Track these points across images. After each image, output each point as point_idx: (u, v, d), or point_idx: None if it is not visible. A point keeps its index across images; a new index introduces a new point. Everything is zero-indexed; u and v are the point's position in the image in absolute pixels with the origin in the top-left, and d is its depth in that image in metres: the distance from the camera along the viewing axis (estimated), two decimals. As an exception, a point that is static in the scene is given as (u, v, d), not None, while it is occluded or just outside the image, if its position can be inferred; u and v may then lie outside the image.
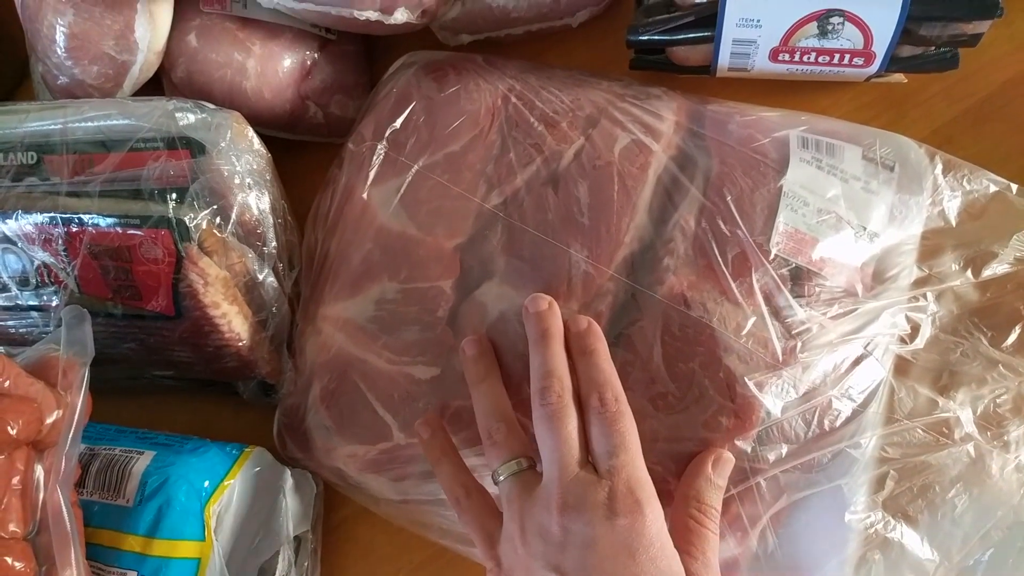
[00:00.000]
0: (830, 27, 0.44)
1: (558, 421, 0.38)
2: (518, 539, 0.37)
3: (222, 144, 0.43)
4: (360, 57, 0.55)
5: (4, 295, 0.44)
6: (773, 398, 0.40)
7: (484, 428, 0.40)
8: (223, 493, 0.40)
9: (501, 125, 0.46)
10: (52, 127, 0.44)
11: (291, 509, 0.44)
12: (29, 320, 0.45)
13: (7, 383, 0.36)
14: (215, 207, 0.42)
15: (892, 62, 0.46)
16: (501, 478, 0.39)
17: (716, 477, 0.39)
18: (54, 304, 0.43)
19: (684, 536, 0.37)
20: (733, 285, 0.41)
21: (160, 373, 0.49)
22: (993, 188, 0.44)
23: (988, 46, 0.47)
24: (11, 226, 0.42)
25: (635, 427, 0.38)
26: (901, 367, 0.42)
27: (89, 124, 0.43)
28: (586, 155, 0.45)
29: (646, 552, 0.35)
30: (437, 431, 0.42)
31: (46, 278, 0.43)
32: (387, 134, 0.47)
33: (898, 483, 0.40)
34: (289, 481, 0.44)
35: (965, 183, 0.44)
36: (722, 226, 0.42)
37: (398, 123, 0.47)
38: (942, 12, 0.43)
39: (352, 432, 0.44)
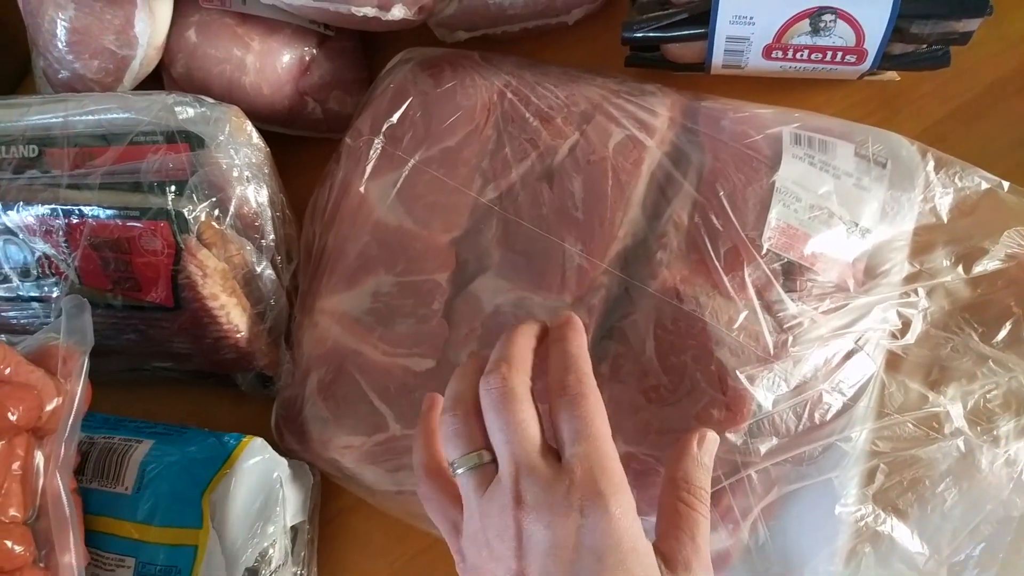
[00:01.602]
0: (822, 25, 0.44)
1: (505, 406, 0.34)
2: (480, 538, 0.34)
3: (221, 138, 0.43)
4: (358, 53, 0.56)
5: (5, 286, 0.44)
6: (764, 391, 0.40)
7: (445, 414, 0.37)
8: (220, 482, 0.41)
9: (497, 120, 0.47)
10: (53, 120, 0.44)
11: (288, 499, 0.44)
12: (30, 311, 0.45)
13: (8, 370, 0.37)
14: (214, 200, 0.43)
15: (884, 60, 0.46)
16: (459, 471, 0.35)
17: (703, 456, 0.36)
18: (55, 295, 0.44)
19: (673, 521, 0.35)
20: (725, 279, 0.42)
21: (160, 364, 0.50)
22: (984, 185, 0.44)
23: (979, 44, 0.47)
24: (12, 218, 0.42)
25: (602, 411, 0.35)
26: (892, 362, 0.42)
27: (89, 118, 0.44)
28: (580, 150, 0.45)
29: (614, 554, 0.32)
30: (433, 406, 0.40)
31: (47, 269, 0.43)
32: (384, 129, 0.48)
33: (888, 477, 0.41)
34: (286, 471, 0.44)
35: (957, 180, 0.45)
36: (715, 221, 0.43)
37: (395, 118, 0.48)
38: (932, 10, 0.44)
39: (348, 423, 0.45)
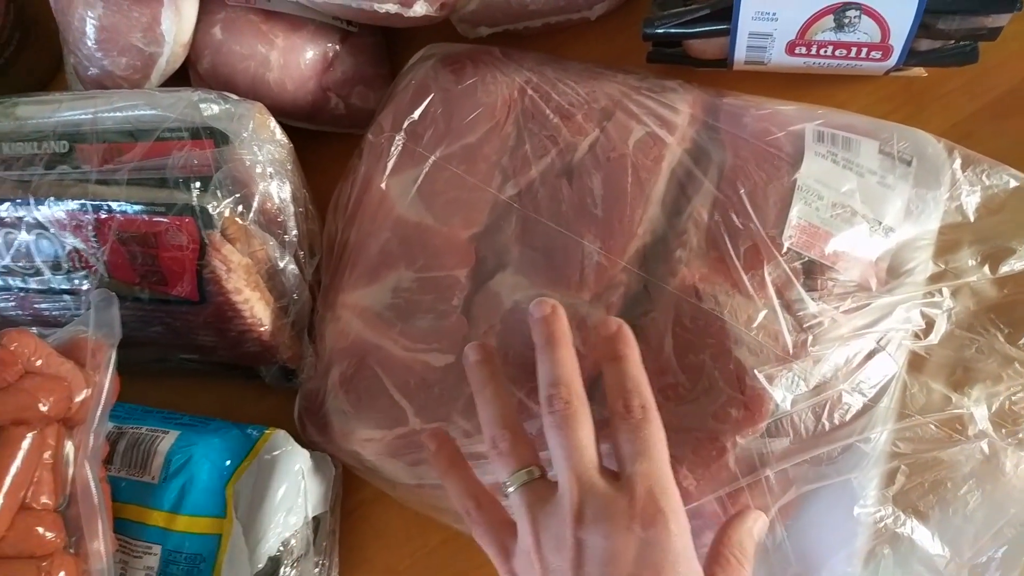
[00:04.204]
0: (847, 20, 0.44)
1: (568, 427, 0.36)
2: (533, 553, 0.35)
3: (244, 134, 0.44)
4: (381, 49, 0.56)
5: (38, 279, 0.45)
6: (783, 391, 0.40)
7: (489, 437, 0.38)
8: (244, 473, 0.42)
9: (517, 117, 0.47)
10: (83, 117, 0.45)
11: (310, 490, 0.45)
12: (61, 303, 0.46)
13: (39, 362, 0.38)
14: (237, 196, 0.43)
15: (910, 56, 0.46)
16: (511, 489, 0.37)
17: (756, 535, 0.38)
18: (84, 288, 0.45)
19: (722, 566, 0.37)
20: (745, 278, 0.42)
21: (186, 356, 0.51)
22: (1013, 183, 0.43)
23: (1009, 40, 0.46)
24: (44, 213, 0.43)
25: (663, 436, 0.36)
26: (915, 363, 0.42)
27: (118, 114, 0.45)
28: (600, 147, 0.45)
29: (672, 568, 0.33)
30: (443, 443, 0.41)
31: (77, 263, 0.44)
32: (405, 125, 0.48)
33: (909, 478, 0.40)
34: (308, 463, 0.45)
35: (984, 178, 0.44)
36: (735, 219, 0.43)
37: (416, 115, 0.48)
38: (960, 6, 0.43)
39: (369, 417, 0.45)
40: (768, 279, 0.41)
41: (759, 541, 0.39)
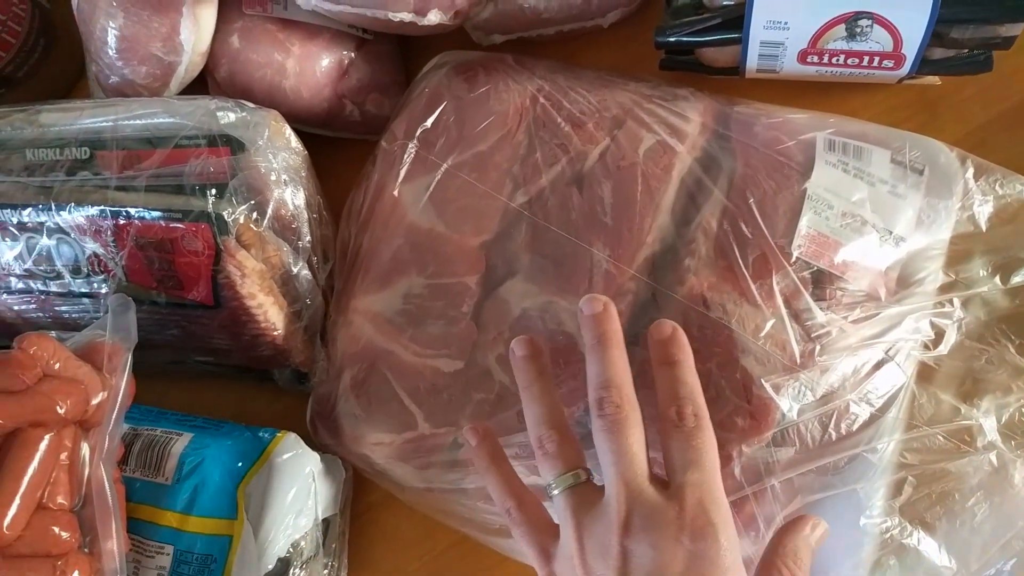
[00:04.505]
0: (858, 29, 0.44)
1: (618, 432, 0.35)
2: (577, 558, 0.34)
3: (260, 142, 0.45)
4: (396, 56, 0.57)
5: (58, 282, 0.47)
6: (789, 400, 0.40)
7: (535, 437, 0.37)
8: (255, 475, 0.42)
9: (528, 125, 0.47)
10: (104, 124, 0.46)
11: (320, 493, 0.46)
12: (81, 306, 0.47)
13: (57, 365, 0.39)
14: (252, 203, 0.44)
15: (923, 64, 0.45)
16: (556, 492, 0.36)
17: (815, 543, 0.37)
18: (103, 292, 0.46)
19: None
20: (753, 287, 0.42)
21: (201, 359, 0.52)
22: (1026, 193, 0.43)
23: (1024, 49, 0.46)
24: (65, 218, 0.44)
25: (715, 446, 0.36)
26: (924, 373, 0.42)
27: (137, 122, 0.46)
28: (611, 155, 0.46)
29: None
30: (485, 438, 0.40)
31: (96, 267, 0.45)
32: (418, 133, 0.48)
33: (916, 489, 0.40)
34: (319, 466, 0.46)
35: (997, 187, 0.44)
36: (744, 228, 0.43)
37: (429, 123, 0.49)
38: (973, 15, 0.43)
39: (379, 421, 0.46)
40: (776, 288, 0.41)
41: (816, 549, 0.37)
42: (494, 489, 0.39)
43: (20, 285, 0.47)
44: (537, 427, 0.37)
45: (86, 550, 0.37)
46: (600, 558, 0.34)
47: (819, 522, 0.37)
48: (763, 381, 0.40)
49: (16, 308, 0.48)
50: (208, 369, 0.52)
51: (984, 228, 0.43)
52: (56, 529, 0.36)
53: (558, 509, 0.36)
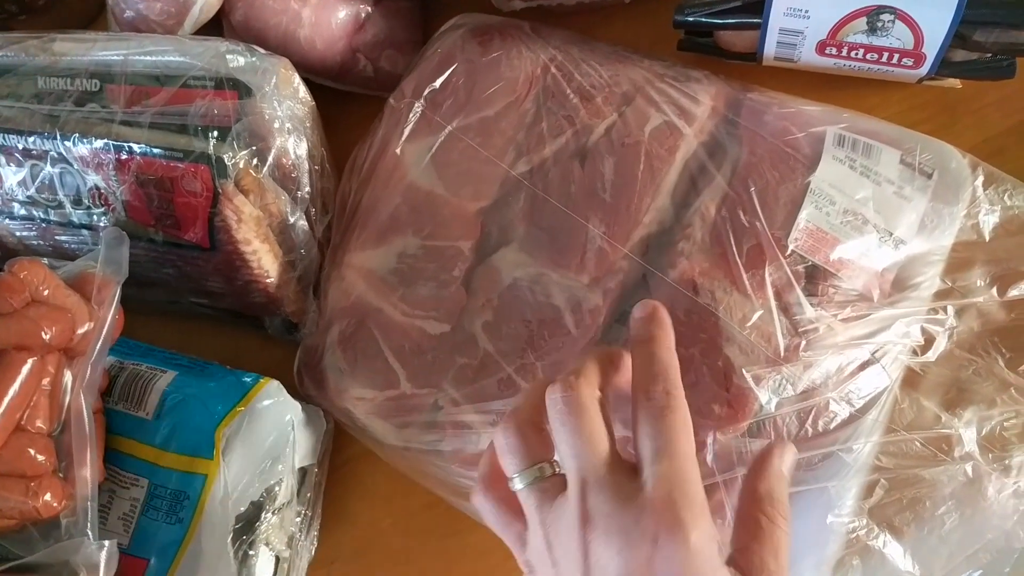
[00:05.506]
0: (880, 24, 0.43)
1: (570, 416, 0.32)
2: (545, 555, 0.32)
3: (267, 88, 0.44)
4: (414, 14, 0.56)
5: (59, 211, 0.47)
6: (769, 392, 0.40)
7: (496, 432, 0.35)
8: (234, 419, 0.43)
9: (538, 94, 0.47)
10: (115, 58, 0.46)
11: (299, 442, 0.46)
12: (80, 237, 0.48)
13: (46, 292, 0.39)
14: (254, 148, 0.44)
15: (943, 66, 0.44)
16: (519, 487, 0.34)
17: (785, 471, 0.34)
18: (102, 224, 0.46)
19: (755, 534, 0.33)
20: (744, 276, 0.41)
21: (196, 300, 0.52)
22: (1035, 206, 0.42)
23: (1050, 58, 0.45)
24: (69, 148, 0.45)
25: (689, 427, 0.32)
26: (910, 379, 0.41)
27: (148, 59, 0.46)
28: (616, 132, 0.45)
29: None
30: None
31: (97, 200, 0.46)
32: (426, 93, 0.48)
33: (888, 492, 0.40)
34: (299, 415, 0.46)
35: (1006, 198, 0.43)
36: (742, 216, 0.42)
37: (438, 83, 0.48)
38: (999, 18, 0.41)
39: (363, 377, 0.46)
40: (768, 280, 0.41)
41: (791, 477, 0.34)
42: (478, 473, 0.37)
43: (23, 212, 0.47)
44: (501, 422, 0.35)
45: (61, 475, 0.38)
46: (565, 558, 0.32)
47: (784, 446, 0.35)
48: (744, 371, 0.40)
49: (18, 234, 0.49)
50: (202, 311, 0.53)
51: (987, 238, 0.43)
52: (32, 451, 0.37)
53: (524, 505, 0.34)
